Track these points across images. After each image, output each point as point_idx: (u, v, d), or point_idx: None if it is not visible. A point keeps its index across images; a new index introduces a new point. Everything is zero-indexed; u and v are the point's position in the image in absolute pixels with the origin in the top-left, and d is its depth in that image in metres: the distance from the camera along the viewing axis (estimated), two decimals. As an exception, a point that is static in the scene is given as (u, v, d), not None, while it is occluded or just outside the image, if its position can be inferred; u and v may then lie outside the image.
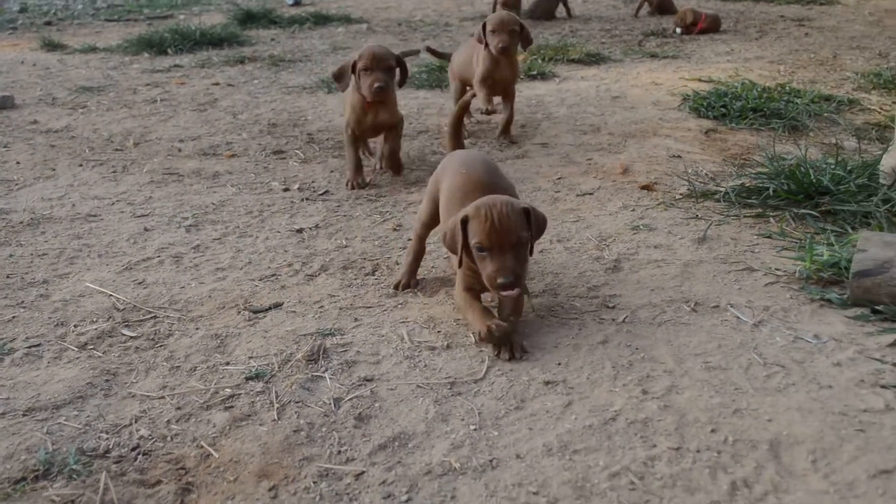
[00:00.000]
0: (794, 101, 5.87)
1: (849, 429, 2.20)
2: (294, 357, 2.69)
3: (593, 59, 7.82)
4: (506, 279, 2.59)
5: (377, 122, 4.52)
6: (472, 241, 2.65)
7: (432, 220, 3.18)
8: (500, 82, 5.15)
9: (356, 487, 2.07)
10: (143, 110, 6.32)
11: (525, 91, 6.60)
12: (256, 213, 4.07)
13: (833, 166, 4.09)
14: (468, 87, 5.35)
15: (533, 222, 2.70)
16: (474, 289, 2.85)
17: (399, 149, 4.63)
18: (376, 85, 4.23)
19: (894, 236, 2.91)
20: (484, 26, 4.97)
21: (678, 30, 9.45)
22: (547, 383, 2.48)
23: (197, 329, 2.92)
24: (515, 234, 2.62)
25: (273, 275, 3.35)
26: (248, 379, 2.58)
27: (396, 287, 3.18)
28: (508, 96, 5.30)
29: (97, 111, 6.36)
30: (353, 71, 4.33)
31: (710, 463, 2.09)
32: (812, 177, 3.93)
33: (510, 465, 2.12)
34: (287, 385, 2.53)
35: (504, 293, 2.63)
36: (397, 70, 4.50)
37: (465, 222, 2.68)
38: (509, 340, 2.66)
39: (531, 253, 2.74)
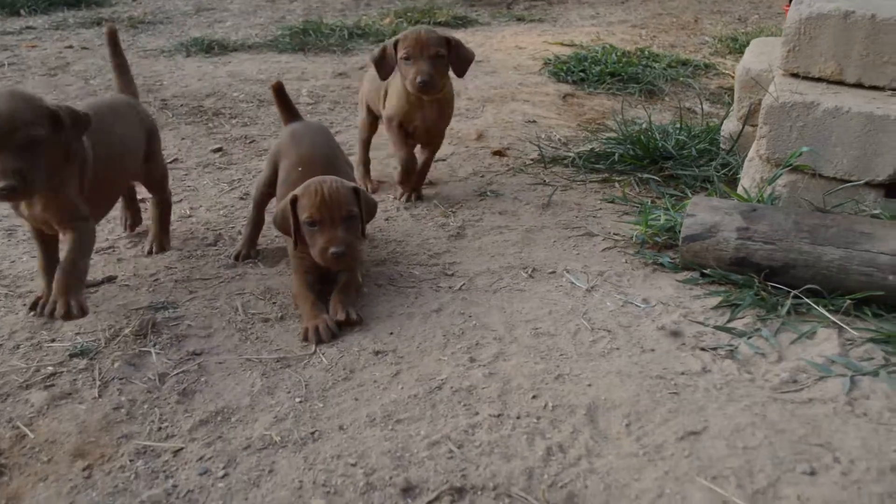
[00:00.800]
0: (652, 65, 5.99)
1: (664, 392, 2.26)
2: (122, 332, 2.62)
3: (460, 23, 7.82)
4: (337, 248, 2.59)
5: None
6: (303, 217, 2.64)
7: (270, 188, 3.14)
8: (422, 127, 3.64)
9: (173, 464, 2.04)
10: (-13, 75, 6.04)
11: (389, 55, 6.56)
12: (100, 183, 3.94)
13: (678, 131, 4.19)
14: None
15: (363, 201, 2.72)
16: (309, 274, 2.82)
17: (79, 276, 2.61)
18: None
19: (722, 201, 3.00)
20: (395, 46, 3.48)
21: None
22: (377, 353, 2.48)
23: (24, 305, 2.81)
24: (345, 207, 2.64)
25: (111, 247, 3.25)
26: (72, 356, 2.50)
27: (236, 258, 3.12)
28: (432, 144, 3.78)
29: (-62, 76, 6.05)
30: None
31: (529, 429, 2.13)
32: (657, 142, 4.02)
33: (332, 437, 2.11)
34: (112, 361, 2.46)
35: (335, 267, 2.66)
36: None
37: (294, 201, 2.68)
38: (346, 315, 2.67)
39: (363, 234, 2.76)
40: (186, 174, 4.05)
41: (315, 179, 2.69)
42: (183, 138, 4.61)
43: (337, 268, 2.70)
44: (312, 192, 2.64)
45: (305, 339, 2.56)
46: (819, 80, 3.34)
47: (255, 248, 3.17)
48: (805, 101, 3.15)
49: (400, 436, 2.11)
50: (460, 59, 3.51)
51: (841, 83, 3.31)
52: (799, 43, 3.31)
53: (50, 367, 2.44)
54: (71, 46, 6.95)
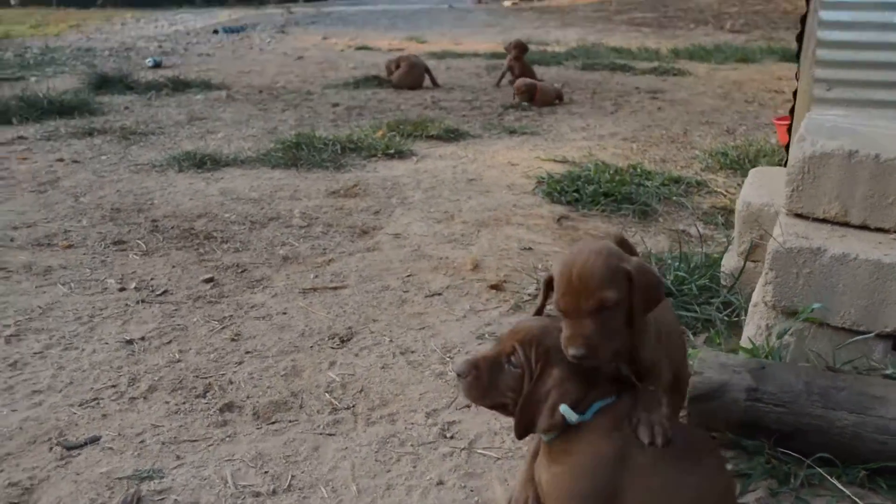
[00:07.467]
0: (645, 183, 5.96)
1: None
2: (105, 508, 2.50)
3: (452, 136, 7.81)
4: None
5: None
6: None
7: None
8: None
9: None
10: (-25, 192, 5.97)
11: (381, 171, 6.53)
12: (86, 320, 3.83)
13: (677, 265, 4.12)
14: None
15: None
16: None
17: None
18: None
19: (730, 357, 2.91)
20: (548, 283, 2.21)
21: (525, 102, 9.50)
22: None
23: (0, 471, 2.68)
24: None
25: (94, 399, 3.12)
26: (51, 537, 2.37)
27: None
28: None
29: (-76, 193, 5.98)
30: None
31: None
32: (657, 277, 3.95)
33: None
34: (93, 545, 2.33)
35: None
36: None
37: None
38: None
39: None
40: (176, 309, 3.95)
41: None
42: (173, 266, 4.52)
43: None
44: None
45: None
46: (824, 220, 3.28)
47: None
48: (811, 246, 3.08)
49: None
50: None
51: (846, 224, 3.25)
52: (802, 182, 3.26)
53: (27, 552, 2.31)
54: (62, 160, 6.90)
